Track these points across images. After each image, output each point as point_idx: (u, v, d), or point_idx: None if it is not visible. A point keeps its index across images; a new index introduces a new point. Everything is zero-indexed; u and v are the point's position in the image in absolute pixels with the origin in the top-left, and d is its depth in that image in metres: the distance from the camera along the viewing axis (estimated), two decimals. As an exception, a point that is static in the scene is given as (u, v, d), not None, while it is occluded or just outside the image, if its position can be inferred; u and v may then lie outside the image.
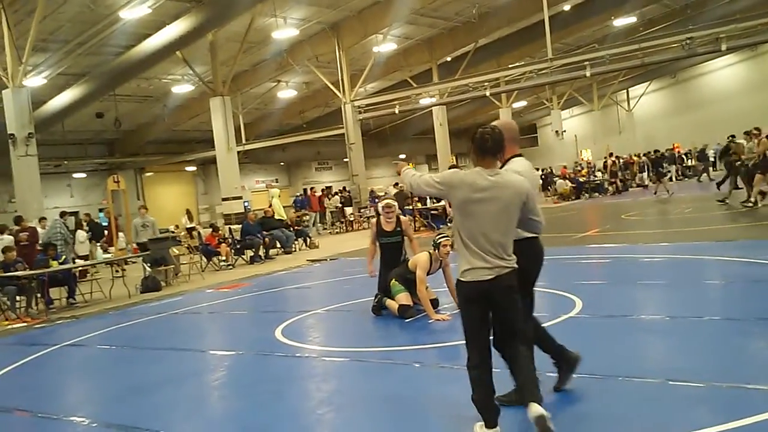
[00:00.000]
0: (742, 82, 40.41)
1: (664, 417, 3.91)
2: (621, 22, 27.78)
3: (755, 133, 15.29)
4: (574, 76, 23.29)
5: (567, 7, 25.46)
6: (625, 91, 43.52)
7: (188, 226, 19.12)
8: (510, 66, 26.01)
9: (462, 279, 3.78)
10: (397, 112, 26.19)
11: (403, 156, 43.61)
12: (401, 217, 8.21)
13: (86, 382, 6.90)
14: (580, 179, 29.11)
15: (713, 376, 4.46)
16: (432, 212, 20.28)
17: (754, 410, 3.71)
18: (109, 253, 13.88)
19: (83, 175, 31.52)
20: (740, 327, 5.77)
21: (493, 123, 4.24)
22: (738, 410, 3.76)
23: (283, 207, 20.93)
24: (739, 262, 8.82)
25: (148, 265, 13.30)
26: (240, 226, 17.65)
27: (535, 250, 4.24)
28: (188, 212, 19.88)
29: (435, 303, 7.41)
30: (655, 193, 22.83)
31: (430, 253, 7.46)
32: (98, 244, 16.86)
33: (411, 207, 20.67)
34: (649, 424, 3.86)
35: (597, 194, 28.11)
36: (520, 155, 4.43)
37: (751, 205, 14.76)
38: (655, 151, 29.49)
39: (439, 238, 7.41)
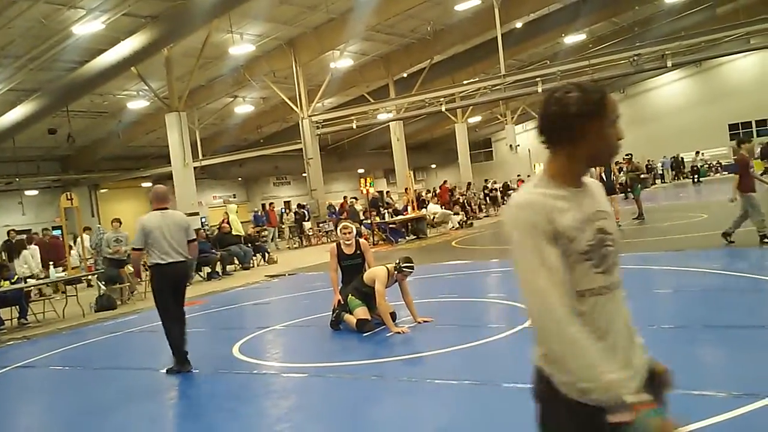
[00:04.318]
0: (687, 96, 41.81)
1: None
2: (571, 39, 28.54)
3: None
4: (526, 92, 23.72)
5: (519, 25, 26.01)
6: (576, 106, 44.48)
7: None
8: (465, 82, 26.44)
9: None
10: (354, 127, 26.30)
11: (361, 170, 43.81)
12: (361, 240, 8.32)
13: (39, 405, 6.76)
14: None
15: (661, 382, 4.61)
16: (390, 226, 20.38)
17: (700, 416, 3.84)
18: (62, 271, 13.56)
19: (35, 192, 30.79)
20: (688, 335, 5.97)
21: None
22: (685, 417, 3.89)
23: (242, 222, 20.81)
24: (686, 272, 9.11)
25: (103, 283, 13.09)
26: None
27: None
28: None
29: (393, 316, 7.48)
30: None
31: (387, 268, 7.53)
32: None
33: (369, 221, 20.77)
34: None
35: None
36: (165, 208, 6.81)
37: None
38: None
39: (405, 265, 7.49)
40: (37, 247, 15.91)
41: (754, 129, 39.10)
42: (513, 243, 1.85)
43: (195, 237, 7.17)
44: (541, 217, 1.82)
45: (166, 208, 6.83)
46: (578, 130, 1.88)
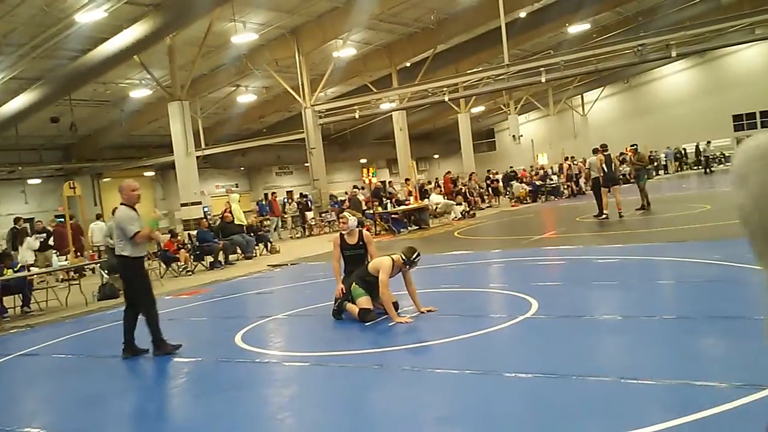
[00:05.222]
0: (691, 87, 41.69)
1: (617, 414, 4.04)
2: (575, 29, 28.40)
3: (600, 149, 16.43)
4: (530, 82, 23.65)
5: (523, 14, 25.90)
6: (579, 96, 44.42)
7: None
8: (468, 72, 26.35)
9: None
10: (357, 116, 26.22)
11: (364, 160, 43.74)
12: (364, 231, 8.36)
13: (41, 392, 6.77)
14: (537, 182, 29.58)
15: (664, 373, 4.60)
16: (392, 216, 20.36)
17: (702, 406, 3.84)
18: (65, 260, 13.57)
19: (38, 181, 30.83)
20: (690, 325, 5.97)
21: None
22: (687, 407, 3.89)
23: (245, 212, 20.80)
24: (688, 263, 9.10)
25: (106, 272, 13.11)
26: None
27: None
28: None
29: (396, 306, 7.49)
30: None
31: (393, 258, 7.52)
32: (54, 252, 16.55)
33: (372, 211, 20.75)
34: (602, 421, 3.99)
35: (553, 197, 28.56)
36: (122, 204, 7.10)
37: (603, 217, 16.11)
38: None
39: (416, 257, 7.52)
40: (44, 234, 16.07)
41: (758, 120, 38.97)
42: None
43: (133, 233, 6.94)
44: None
45: (122, 204, 7.20)
46: None
